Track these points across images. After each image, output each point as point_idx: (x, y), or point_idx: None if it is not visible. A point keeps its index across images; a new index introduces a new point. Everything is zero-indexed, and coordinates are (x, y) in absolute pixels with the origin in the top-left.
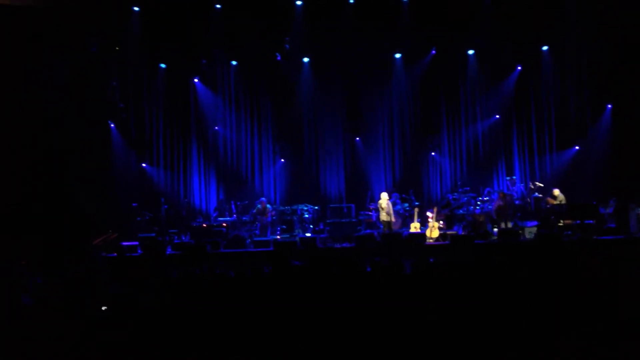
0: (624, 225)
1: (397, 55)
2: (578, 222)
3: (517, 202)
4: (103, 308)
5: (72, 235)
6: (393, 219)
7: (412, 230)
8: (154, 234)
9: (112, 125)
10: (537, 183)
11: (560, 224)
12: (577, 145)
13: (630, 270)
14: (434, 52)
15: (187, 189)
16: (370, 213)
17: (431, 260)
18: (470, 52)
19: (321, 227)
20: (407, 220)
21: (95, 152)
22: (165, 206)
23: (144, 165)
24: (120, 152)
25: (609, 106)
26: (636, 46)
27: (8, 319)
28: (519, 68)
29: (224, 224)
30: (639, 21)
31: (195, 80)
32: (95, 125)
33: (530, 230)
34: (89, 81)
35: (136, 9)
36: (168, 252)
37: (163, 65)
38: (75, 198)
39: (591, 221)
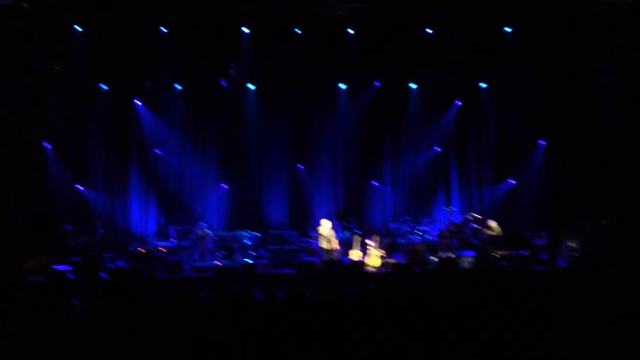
0: (556, 257)
1: (342, 86)
2: (513, 252)
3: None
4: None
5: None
6: (335, 247)
7: (353, 258)
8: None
9: (49, 145)
10: (474, 214)
11: (497, 255)
12: (513, 179)
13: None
14: (377, 84)
15: (125, 213)
16: (311, 240)
17: (371, 286)
18: (414, 85)
19: (262, 253)
20: (348, 248)
21: (28, 172)
22: (102, 230)
23: (79, 187)
24: (55, 173)
25: (543, 143)
26: (570, 86)
27: None
28: (459, 103)
29: (163, 249)
30: (573, 61)
31: (138, 102)
32: (29, 145)
33: (467, 259)
34: (26, 99)
35: (79, 29)
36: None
37: (105, 87)
38: (5, 219)
39: (525, 252)
